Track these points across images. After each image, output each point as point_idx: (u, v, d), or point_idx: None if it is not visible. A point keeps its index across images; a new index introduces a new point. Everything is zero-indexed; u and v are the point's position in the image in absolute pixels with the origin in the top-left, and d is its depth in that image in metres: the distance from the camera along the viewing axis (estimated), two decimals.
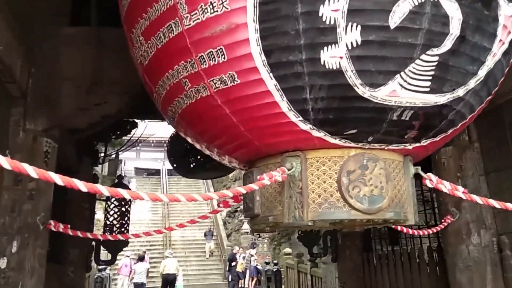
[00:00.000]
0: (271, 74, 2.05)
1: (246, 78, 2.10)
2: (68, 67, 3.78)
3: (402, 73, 2.02)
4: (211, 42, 2.10)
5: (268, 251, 19.50)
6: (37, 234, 3.64)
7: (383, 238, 6.60)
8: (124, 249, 17.19)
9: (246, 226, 21.18)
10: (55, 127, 3.68)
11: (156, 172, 32.88)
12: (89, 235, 3.63)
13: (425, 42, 1.97)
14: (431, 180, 2.60)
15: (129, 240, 19.25)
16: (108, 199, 6.28)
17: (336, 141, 2.26)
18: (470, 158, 4.12)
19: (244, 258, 15.73)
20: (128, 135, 7.14)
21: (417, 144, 2.43)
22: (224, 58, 2.10)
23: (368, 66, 2.00)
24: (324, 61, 1.97)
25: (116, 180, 6.66)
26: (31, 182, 3.52)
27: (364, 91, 2.03)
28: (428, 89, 2.09)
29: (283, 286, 12.66)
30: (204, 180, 29.79)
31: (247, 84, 2.12)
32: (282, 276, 12.71)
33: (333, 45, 1.95)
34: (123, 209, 6.24)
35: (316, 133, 2.21)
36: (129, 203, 6.35)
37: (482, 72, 2.19)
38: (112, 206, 6.19)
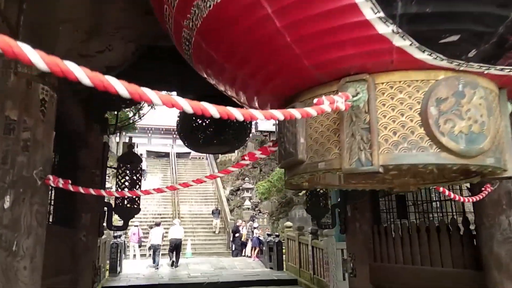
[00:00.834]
0: None
1: None
2: (66, 6, 2.88)
3: None
4: None
5: (268, 225, 18.76)
6: (34, 190, 2.77)
7: (391, 211, 5.80)
8: (133, 219, 16.63)
9: (247, 203, 20.46)
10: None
11: (166, 155, 32.09)
12: (91, 191, 2.77)
13: None
14: None
15: (141, 213, 18.74)
16: (119, 167, 5.42)
17: (424, 56, 1.38)
18: None
19: (249, 229, 14.98)
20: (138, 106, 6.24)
21: None
22: None
23: None
24: None
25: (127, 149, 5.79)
26: (25, 132, 2.66)
27: None
28: None
29: (284, 256, 11.84)
30: (209, 160, 29.06)
31: None
32: (283, 247, 11.90)
33: None
34: (134, 177, 5.39)
35: (399, 41, 1.33)
36: (140, 171, 5.50)
37: None
38: (123, 174, 5.34)
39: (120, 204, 5.23)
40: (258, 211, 20.32)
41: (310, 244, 9.80)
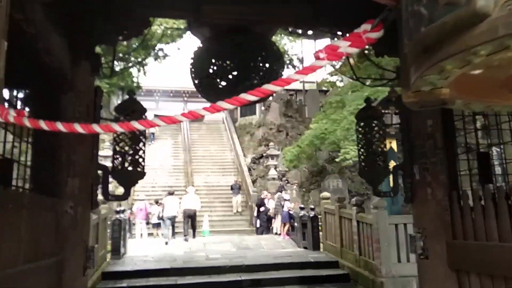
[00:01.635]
0: None
1: None
2: None
3: None
4: None
5: (297, 197, 18.18)
6: None
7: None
8: (139, 192, 16.41)
9: (273, 172, 19.87)
10: None
11: None
12: (77, 127, 2.07)
13: None
14: None
15: (149, 185, 18.53)
16: (117, 119, 4.73)
17: None
18: None
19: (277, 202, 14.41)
20: (140, 36, 5.47)
21: None
22: None
23: None
24: None
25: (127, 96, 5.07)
26: None
27: None
28: None
29: (320, 234, 11.23)
30: (227, 124, 28.43)
31: None
32: (320, 223, 11.27)
33: None
34: (137, 131, 4.70)
35: None
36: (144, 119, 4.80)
37: None
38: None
39: (120, 166, 4.56)
40: (286, 182, 19.73)
41: (355, 219, 9.11)
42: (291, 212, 13.42)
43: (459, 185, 5.07)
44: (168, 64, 70.92)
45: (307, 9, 4.87)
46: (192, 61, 5.68)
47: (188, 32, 26.55)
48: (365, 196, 18.37)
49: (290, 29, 5.94)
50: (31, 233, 3.50)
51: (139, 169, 4.67)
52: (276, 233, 14.11)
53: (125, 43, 21.26)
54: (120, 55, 23.96)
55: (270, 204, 15.98)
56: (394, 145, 9.67)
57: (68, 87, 4.33)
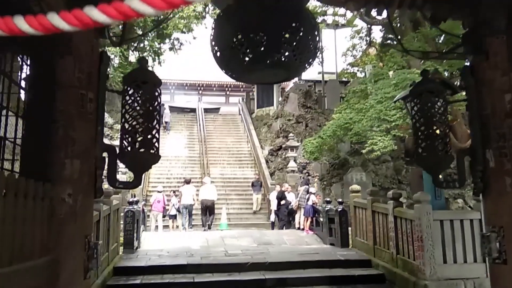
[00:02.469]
0: None
1: None
2: None
3: None
4: None
5: (319, 190, 17.25)
6: None
7: None
8: (155, 183, 15.69)
9: (292, 164, 18.99)
10: None
11: (191, 111, 30.73)
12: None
13: None
14: None
15: (164, 176, 17.85)
16: (125, 91, 3.88)
17: None
18: None
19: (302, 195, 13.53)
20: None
21: None
22: None
23: None
24: None
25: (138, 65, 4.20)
26: None
27: None
28: None
29: (349, 229, 10.32)
30: (243, 115, 27.57)
31: None
32: (348, 218, 10.36)
33: None
34: (150, 106, 3.84)
35: None
36: (158, 98, 3.94)
37: None
38: (132, 100, 3.80)
39: (130, 147, 3.71)
40: (307, 174, 18.81)
41: (392, 214, 8.17)
42: (316, 205, 12.50)
43: None
44: (183, 57, 70.33)
45: None
46: (213, 30, 4.76)
47: (204, 22, 25.62)
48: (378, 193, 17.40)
49: None
50: (17, 227, 2.68)
51: (152, 152, 3.82)
52: (298, 228, 13.23)
53: (140, 31, 20.48)
54: (135, 44, 23.28)
55: (290, 197, 15.12)
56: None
57: (64, 50, 3.48)
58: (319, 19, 24.56)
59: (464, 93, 4.87)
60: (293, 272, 8.38)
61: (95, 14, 1.04)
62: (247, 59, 4.53)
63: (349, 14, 25.35)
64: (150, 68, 21.29)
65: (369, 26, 24.68)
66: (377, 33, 27.80)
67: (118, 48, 19.83)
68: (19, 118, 3.29)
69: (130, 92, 3.86)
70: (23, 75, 3.48)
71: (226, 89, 41.28)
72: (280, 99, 27.37)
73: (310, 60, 4.98)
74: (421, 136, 4.44)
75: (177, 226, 15.33)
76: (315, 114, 24.38)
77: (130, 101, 3.83)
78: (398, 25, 22.10)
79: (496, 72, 4.12)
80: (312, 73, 33.17)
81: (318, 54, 5.20)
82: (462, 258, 7.38)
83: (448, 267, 7.22)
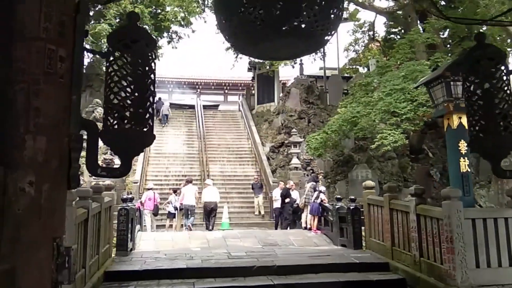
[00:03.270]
0: None
1: None
2: None
3: None
4: None
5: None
6: None
7: None
8: (150, 181, 14.76)
9: (295, 161, 18.14)
10: None
11: (190, 107, 29.87)
12: None
13: None
14: None
15: (162, 174, 16.99)
16: (111, 52, 2.98)
17: None
18: None
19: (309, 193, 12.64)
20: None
21: None
22: None
23: None
24: None
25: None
26: None
27: None
28: None
29: (363, 228, 9.47)
30: (243, 111, 26.72)
31: None
32: (362, 217, 9.50)
33: None
34: (142, 72, 2.97)
35: None
36: (152, 63, 3.05)
37: None
38: (119, 64, 2.91)
39: (115, 124, 2.83)
40: (311, 171, 17.94)
41: (414, 212, 7.31)
42: (326, 204, 11.61)
43: None
44: (181, 53, 69.50)
45: None
46: None
47: (204, 15, 24.54)
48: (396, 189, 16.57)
49: None
50: None
51: (144, 129, 2.94)
52: (305, 228, 12.35)
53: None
54: None
55: (294, 195, 14.27)
56: (464, 120, 7.82)
57: None
58: None
59: None
60: (304, 277, 7.52)
61: None
62: (259, 25, 3.66)
63: (351, 7, 24.52)
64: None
65: (375, 16, 23.75)
66: (380, 27, 26.86)
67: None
68: None
69: (116, 54, 2.97)
70: None
71: (225, 87, 40.52)
72: (281, 94, 26.52)
73: (333, 31, 4.09)
74: (477, 114, 3.57)
75: (172, 226, 14.50)
76: (318, 110, 23.54)
77: (116, 65, 2.94)
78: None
79: None
80: (314, 69, 32.37)
81: (339, 24, 4.31)
82: (497, 261, 6.53)
83: (481, 272, 6.37)
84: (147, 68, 2.96)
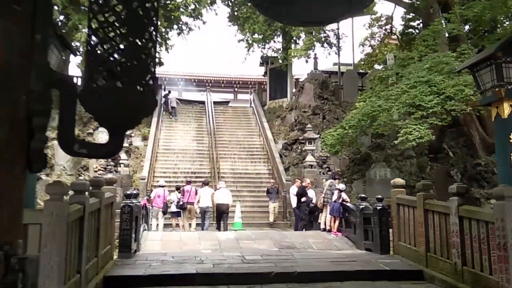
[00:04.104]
0: None
1: None
2: None
3: None
4: None
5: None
6: None
7: None
8: (159, 178, 13.87)
9: (310, 158, 17.22)
10: None
11: (200, 103, 29.05)
12: None
13: None
14: None
15: (170, 171, 16.12)
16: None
17: None
18: None
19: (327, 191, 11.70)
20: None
21: None
22: None
23: None
24: None
25: None
26: None
27: None
28: None
29: (390, 231, 8.55)
30: (255, 107, 25.83)
31: None
32: (389, 218, 8.58)
33: None
34: (138, 7, 2.13)
35: None
36: None
37: None
38: None
39: (99, 80, 1.98)
40: (327, 169, 17.03)
41: (456, 213, 6.37)
42: (348, 203, 10.67)
43: None
44: (191, 47, 68.66)
45: None
46: None
47: (214, 7, 23.67)
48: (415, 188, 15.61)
49: None
50: None
51: (142, 90, 2.08)
52: (324, 229, 11.42)
53: None
54: None
55: (310, 194, 13.37)
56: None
57: None
58: None
59: None
60: (328, 286, 6.64)
61: None
62: None
63: None
64: (156, 55, 20.06)
65: (394, 7, 22.67)
66: (397, 22, 25.83)
67: None
68: None
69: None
70: None
71: (235, 85, 39.78)
72: (294, 90, 25.60)
73: None
74: None
75: (178, 225, 13.72)
76: (333, 106, 22.58)
77: None
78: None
79: None
80: (327, 64, 31.40)
81: None
82: None
83: None
84: (147, 4, 2.11)
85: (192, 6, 23.68)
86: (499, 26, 19.18)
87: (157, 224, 13.31)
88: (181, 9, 22.30)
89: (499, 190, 5.68)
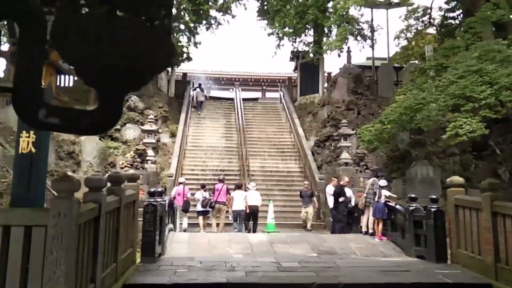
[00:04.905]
0: None
1: None
2: None
3: None
4: None
5: None
6: None
7: None
8: (187, 176, 12.92)
9: (345, 156, 16.17)
10: None
11: (228, 99, 28.31)
12: None
13: None
14: None
15: (198, 167, 15.30)
16: None
17: None
18: None
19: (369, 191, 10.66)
20: None
21: None
22: None
23: None
24: None
25: None
26: None
27: None
28: None
29: (447, 237, 7.50)
30: (285, 103, 24.89)
31: None
32: (445, 221, 7.52)
33: None
34: None
35: None
36: None
37: None
38: None
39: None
40: (364, 167, 15.95)
41: None
42: (397, 205, 9.60)
43: None
44: (219, 47, 68.16)
45: None
46: None
47: (243, 2, 22.89)
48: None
49: None
50: None
51: (152, 25, 1.22)
52: (366, 232, 10.41)
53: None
54: None
55: (348, 193, 12.37)
56: None
57: None
58: None
59: None
60: None
61: None
62: None
63: None
64: (184, 49, 19.01)
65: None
66: (434, 13, 24.34)
67: None
68: None
69: None
70: None
71: (263, 83, 38.94)
72: (326, 85, 24.51)
73: None
74: None
75: (209, 224, 12.99)
76: (367, 101, 21.41)
77: None
78: None
79: None
80: (360, 58, 30.13)
81: None
82: None
83: None
84: None
85: (221, 1, 22.97)
86: None
87: (181, 224, 12.59)
88: (210, 3, 21.59)
89: None
